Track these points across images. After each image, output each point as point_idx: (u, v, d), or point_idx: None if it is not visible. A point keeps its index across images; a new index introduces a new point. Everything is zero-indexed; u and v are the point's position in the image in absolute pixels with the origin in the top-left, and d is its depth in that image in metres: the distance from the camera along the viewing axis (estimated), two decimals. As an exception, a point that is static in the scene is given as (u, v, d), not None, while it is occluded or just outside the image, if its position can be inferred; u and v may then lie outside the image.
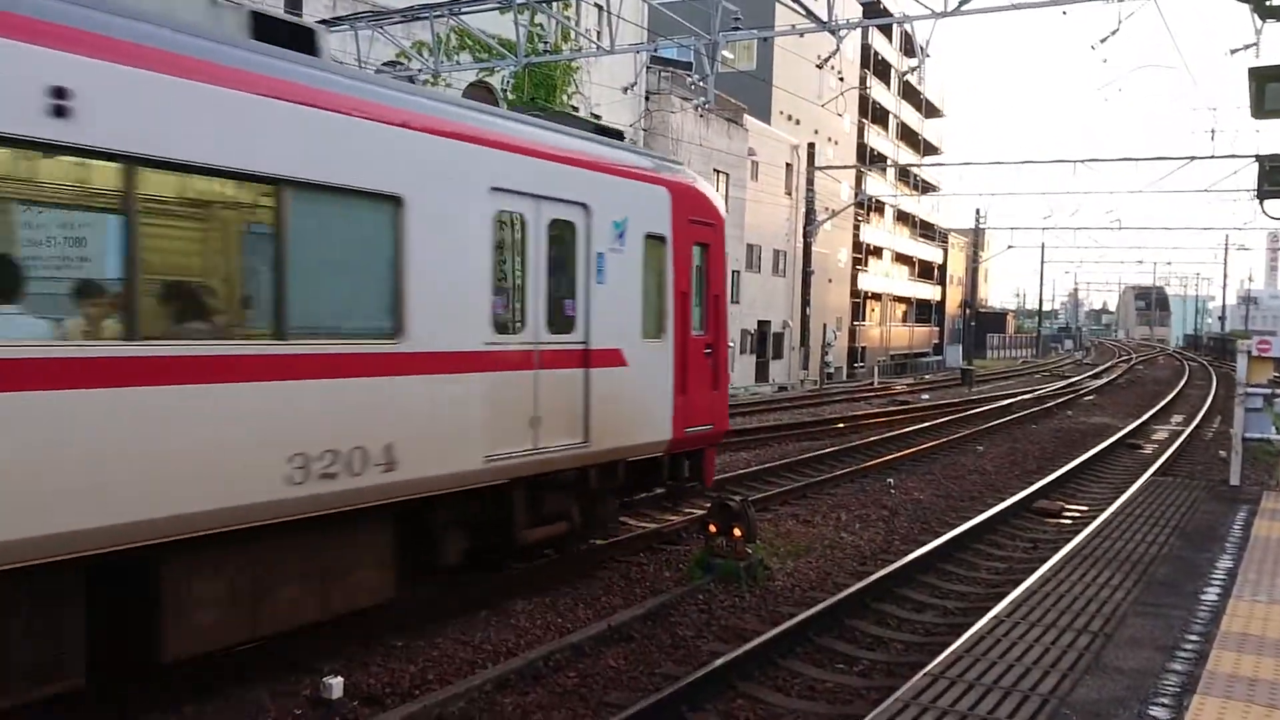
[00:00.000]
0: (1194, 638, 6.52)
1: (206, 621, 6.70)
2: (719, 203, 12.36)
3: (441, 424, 8.07)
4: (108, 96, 5.86)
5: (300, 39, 7.51)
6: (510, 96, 26.56)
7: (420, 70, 21.27)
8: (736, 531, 10.65)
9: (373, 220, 7.63)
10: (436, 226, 7.99)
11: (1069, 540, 10.38)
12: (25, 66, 5.51)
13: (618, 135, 11.57)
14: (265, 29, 7.32)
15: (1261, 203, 14.18)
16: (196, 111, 6.31)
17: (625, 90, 28.22)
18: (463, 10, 18.58)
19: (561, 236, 9.46)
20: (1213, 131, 35.65)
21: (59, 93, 5.63)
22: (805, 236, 43.24)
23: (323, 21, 19.59)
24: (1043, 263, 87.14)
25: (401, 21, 19.32)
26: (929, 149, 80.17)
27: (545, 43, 25.73)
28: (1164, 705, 5.38)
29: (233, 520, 6.58)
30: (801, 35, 19.67)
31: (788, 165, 47.69)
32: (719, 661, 7.83)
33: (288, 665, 7.67)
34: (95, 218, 6.52)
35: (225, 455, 6.47)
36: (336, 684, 7.18)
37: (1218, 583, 7.91)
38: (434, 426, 7.99)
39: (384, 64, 20.65)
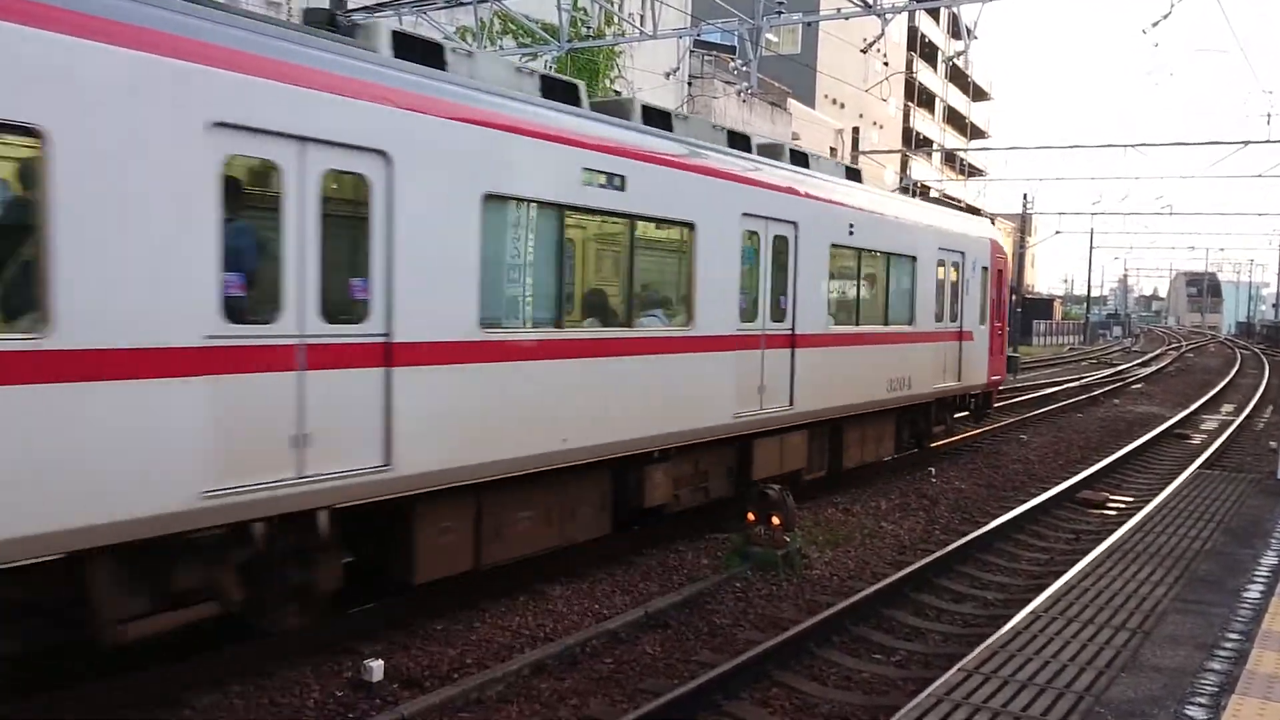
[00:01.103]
0: (1235, 636, 6.46)
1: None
2: (1006, 245, 19.76)
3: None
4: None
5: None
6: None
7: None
8: (775, 520, 10.67)
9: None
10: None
11: (1112, 532, 10.31)
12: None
13: (975, 211, 20.48)
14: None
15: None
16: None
17: (668, 75, 28.14)
18: (506, -5, 18.65)
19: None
20: (1269, 115, 34.70)
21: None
22: (849, 221, 42.91)
23: (366, 8, 19.75)
24: (1091, 248, 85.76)
25: (445, 7, 19.38)
26: (976, 133, 79.23)
27: (588, 27, 25.73)
28: (1201, 705, 5.35)
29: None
30: (847, 19, 19.49)
31: (832, 150, 47.35)
32: (755, 650, 7.87)
33: (330, 647, 7.82)
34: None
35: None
36: (377, 667, 7.31)
37: (1261, 580, 7.83)
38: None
39: (428, 49, 20.74)
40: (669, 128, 10.85)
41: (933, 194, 66.94)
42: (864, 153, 44.47)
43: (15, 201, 5.72)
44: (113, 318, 5.77)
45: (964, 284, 17.47)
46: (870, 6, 17.08)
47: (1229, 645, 6.28)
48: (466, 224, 8.00)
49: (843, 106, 50.21)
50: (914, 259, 15.52)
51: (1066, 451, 20.03)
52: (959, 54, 53.49)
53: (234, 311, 6.39)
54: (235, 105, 6.32)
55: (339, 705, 7.01)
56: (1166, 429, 22.89)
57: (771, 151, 12.96)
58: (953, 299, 17.10)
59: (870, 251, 14.24)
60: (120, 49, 5.75)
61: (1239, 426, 23.95)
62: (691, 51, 34.27)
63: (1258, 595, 7.38)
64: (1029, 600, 7.81)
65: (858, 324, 13.99)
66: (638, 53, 28.53)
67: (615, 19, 25.06)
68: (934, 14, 64.24)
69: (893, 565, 11.08)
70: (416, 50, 8.17)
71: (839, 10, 19.59)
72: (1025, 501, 14.14)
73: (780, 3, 20.33)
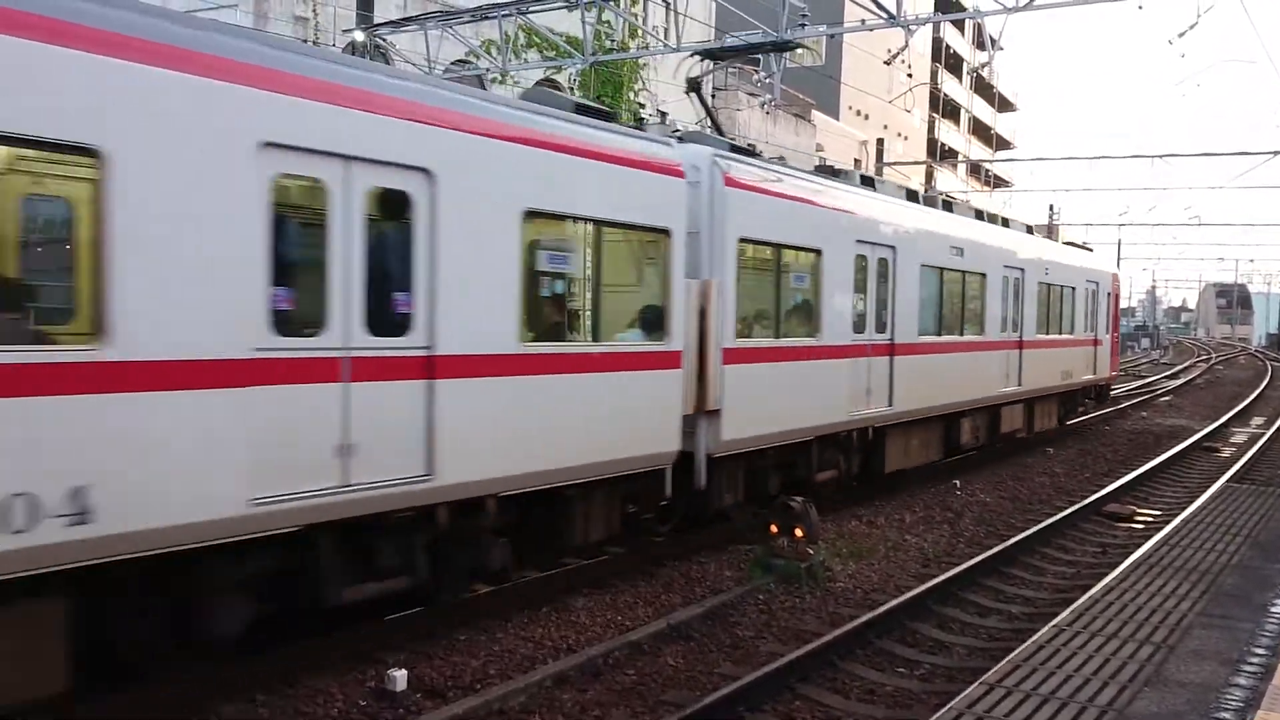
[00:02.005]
0: (1261, 651, 6.41)
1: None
2: (1120, 275, 27.66)
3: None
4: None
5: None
6: (577, 95, 26.75)
7: (489, 69, 21.52)
8: (798, 532, 10.67)
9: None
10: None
11: (1138, 546, 10.24)
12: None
13: (1087, 248, 26.71)
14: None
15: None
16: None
17: (692, 87, 28.19)
18: (531, 10, 18.75)
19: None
20: (1299, 125, 34.46)
21: None
22: (873, 233, 42.76)
23: (393, 22, 19.93)
24: (1119, 259, 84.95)
25: (470, 21, 19.54)
26: (1001, 144, 78.89)
27: (612, 40, 25.84)
28: (1226, 720, 5.32)
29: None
30: (871, 31, 19.48)
31: (856, 161, 47.26)
32: (778, 662, 7.87)
33: (355, 655, 7.88)
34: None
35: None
36: (400, 676, 7.37)
37: (1289, 595, 7.75)
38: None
39: (452, 63, 20.93)
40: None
41: (963, 201, 66.67)
42: (888, 164, 44.39)
43: (814, 281, 10.42)
44: (834, 330, 10.01)
45: (1099, 305, 24.46)
46: (894, 18, 17.08)
47: (1255, 661, 6.24)
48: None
49: (867, 118, 50.14)
50: (1074, 289, 22.53)
51: (1093, 464, 19.88)
52: (984, 65, 53.35)
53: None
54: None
55: (363, 715, 7.06)
56: (1195, 442, 22.67)
57: (926, 200, 16.96)
58: (1093, 316, 24.04)
59: (1057, 286, 21.36)
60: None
61: (1269, 439, 23.69)
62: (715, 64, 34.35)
63: (1285, 610, 7.32)
64: (1054, 614, 7.77)
65: (1047, 333, 20.66)
66: (661, 65, 28.65)
67: (639, 32, 25.18)
68: (959, 25, 64.07)
69: (916, 578, 11.04)
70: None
71: (863, 22, 19.56)
72: (1051, 515, 14.06)
73: (804, 15, 20.35)
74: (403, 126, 7.34)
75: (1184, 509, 12.32)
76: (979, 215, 18.69)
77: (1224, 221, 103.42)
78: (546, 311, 9.06)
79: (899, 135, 54.22)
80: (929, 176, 55.95)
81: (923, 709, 7.38)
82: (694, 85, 13.89)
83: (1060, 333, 21.46)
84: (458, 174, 7.75)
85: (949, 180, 61.60)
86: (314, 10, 22.61)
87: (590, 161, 9.06)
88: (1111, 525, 14.23)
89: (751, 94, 34.43)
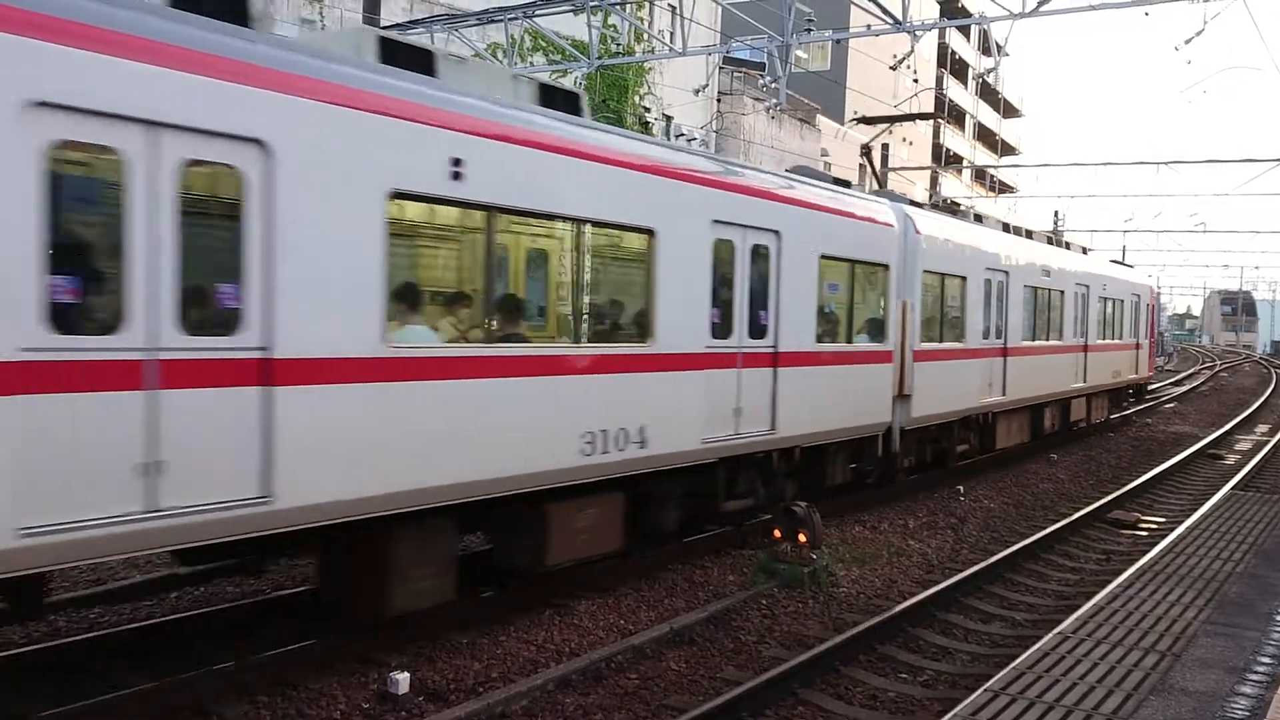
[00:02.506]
0: (1266, 660, 6.39)
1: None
2: (1156, 286, 30.63)
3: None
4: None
5: None
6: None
7: (495, 72, 21.52)
8: (801, 537, 10.64)
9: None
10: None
11: (1143, 553, 10.21)
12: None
13: (1128, 265, 29.66)
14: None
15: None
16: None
17: (697, 92, 28.25)
18: (537, 13, 18.78)
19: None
20: (1304, 133, 34.45)
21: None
22: (878, 238, 42.69)
23: (399, 25, 19.97)
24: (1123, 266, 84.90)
25: (477, 24, 19.58)
26: (1006, 149, 78.79)
27: (618, 44, 25.86)
28: (1232, 729, 5.30)
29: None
30: (877, 36, 19.50)
31: (861, 166, 47.23)
32: (781, 668, 7.84)
33: (357, 658, 7.87)
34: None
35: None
36: (403, 679, 7.35)
37: (1294, 603, 7.72)
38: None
39: (459, 66, 20.92)
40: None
41: (966, 207, 66.63)
42: (894, 169, 44.38)
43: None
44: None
45: (1140, 315, 28.07)
46: (900, 23, 17.08)
47: (1261, 669, 6.21)
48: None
49: (872, 123, 50.07)
50: (1123, 301, 26.29)
51: (1097, 471, 19.84)
52: (990, 71, 53.35)
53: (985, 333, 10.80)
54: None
55: (365, 717, 7.05)
56: (1200, 449, 22.62)
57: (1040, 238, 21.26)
58: (1136, 323, 27.70)
59: (1111, 299, 25.26)
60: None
61: (1274, 447, 23.63)
62: (720, 68, 34.37)
63: (1291, 619, 7.29)
64: (1058, 621, 7.75)
65: (1103, 339, 24.49)
66: (667, 69, 28.68)
67: (645, 36, 25.22)
68: (964, 31, 64.04)
69: (920, 584, 11.01)
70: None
71: (869, 27, 19.60)
72: (1055, 521, 14.02)
73: (810, 20, 20.38)
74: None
75: (1189, 516, 12.29)
76: (1051, 240, 22.45)
77: (1229, 229, 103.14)
78: (828, 322, 12.72)
79: (904, 140, 54.16)
80: (934, 182, 55.90)
81: (926, 715, 7.36)
82: (866, 151, 19.66)
83: (1113, 338, 25.55)
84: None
85: (954, 185, 61.54)
86: (320, 13, 22.65)
87: (848, 219, 13.02)
88: (1116, 532, 14.19)
89: (757, 98, 34.43)
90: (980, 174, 68.89)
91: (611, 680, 7.93)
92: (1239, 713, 5.50)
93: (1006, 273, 17.84)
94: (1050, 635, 6.93)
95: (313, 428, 6.74)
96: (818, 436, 12.38)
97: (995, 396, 17.72)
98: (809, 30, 20.20)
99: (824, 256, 12.30)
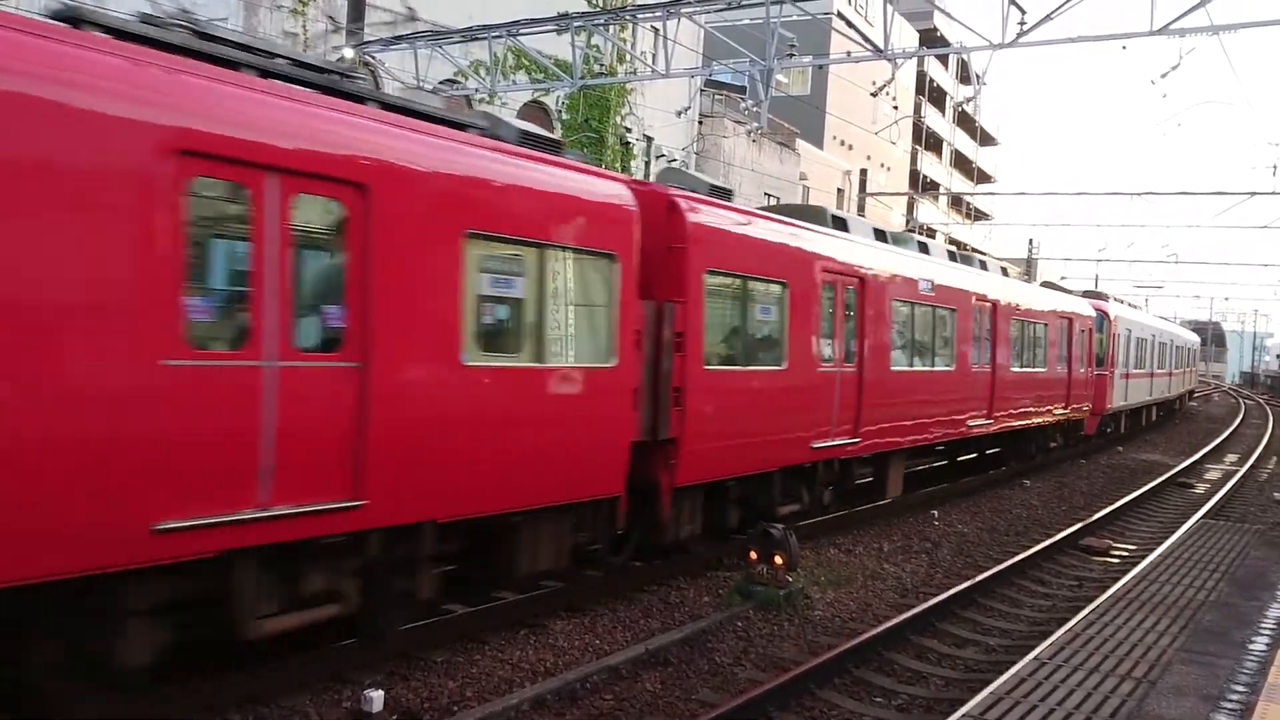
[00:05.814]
0: (1240, 688, 6.43)
1: None
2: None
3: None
4: None
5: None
6: (565, 117, 26.84)
7: (477, 90, 21.56)
8: (778, 559, 10.64)
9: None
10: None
11: (1115, 580, 10.28)
12: None
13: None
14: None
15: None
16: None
17: (679, 113, 28.36)
18: (520, 31, 18.81)
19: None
20: (1275, 167, 34.86)
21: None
22: (855, 262, 42.87)
23: (383, 40, 19.95)
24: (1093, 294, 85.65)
25: (460, 42, 19.58)
26: (983, 177, 79.50)
27: (601, 64, 25.95)
28: (1207, 757, 5.32)
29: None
30: (857, 63, 19.66)
31: (839, 190, 47.54)
32: (756, 691, 7.83)
33: (331, 675, 7.78)
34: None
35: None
36: (377, 697, 7.27)
37: (1267, 632, 7.79)
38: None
39: (441, 82, 20.94)
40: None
41: (940, 237, 67.14)
42: (871, 194, 44.67)
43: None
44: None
45: (1180, 352, 41.89)
46: (880, 51, 17.24)
47: (1234, 698, 6.25)
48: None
49: (851, 148, 50.45)
50: (1174, 344, 40.37)
51: (1070, 497, 19.97)
52: (968, 100, 53.91)
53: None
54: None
55: (338, 735, 6.97)
56: (1170, 477, 22.83)
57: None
58: (1177, 358, 41.02)
59: (1167, 343, 38.09)
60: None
61: (1243, 477, 23.88)
62: (702, 91, 34.54)
63: (1264, 648, 7.35)
64: (1032, 646, 7.78)
65: (1164, 369, 37.55)
66: (649, 91, 28.79)
67: (627, 57, 25.31)
68: (943, 60, 64.71)
69: (895, 608, 11.02)
70: None
71: (849, 54, 19.75)
72: (1028, 547, 14.09)
73: (791, 45, 20.53)
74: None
75: (1160, 544, 12.38)
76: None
77: (1200, 260, 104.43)
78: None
79: (882, 166, 54.57)
80: (910, 208, 56.34)
81: (901, 740, 7.35)
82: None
83: (1169, 369, 37.18)
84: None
85: (930, 212, 62.01)
86: (303, 26, 22.60)
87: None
88: (1088, 559, 14.28)
89: (738, 121, 34.62)
90: (957, 201, 69.47)
91: (587, 701, 7.88)
92: (1214, 740, 5.53)
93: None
94: (1027, 660, 6.95)
95: None
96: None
97: (1120, 403, 25.60)
98: (791, 55, 20.34)
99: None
